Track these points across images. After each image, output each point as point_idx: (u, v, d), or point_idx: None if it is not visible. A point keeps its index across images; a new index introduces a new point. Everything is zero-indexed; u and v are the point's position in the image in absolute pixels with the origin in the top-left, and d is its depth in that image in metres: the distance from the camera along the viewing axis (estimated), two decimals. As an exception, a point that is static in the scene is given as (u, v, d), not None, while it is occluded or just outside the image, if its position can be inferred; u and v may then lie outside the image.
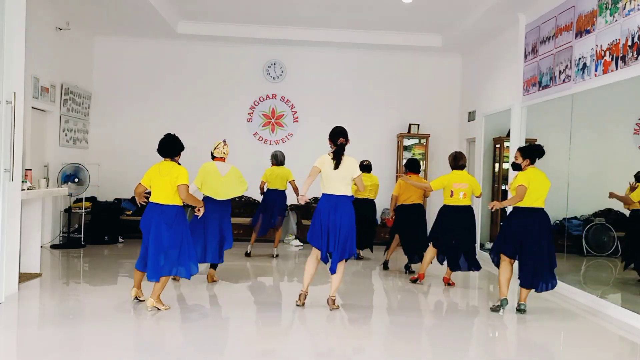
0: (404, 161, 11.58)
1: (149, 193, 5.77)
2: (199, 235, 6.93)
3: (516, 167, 6.18)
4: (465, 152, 11.44)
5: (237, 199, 10.78)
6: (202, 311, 5.99)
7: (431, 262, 7.57)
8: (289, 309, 6.10)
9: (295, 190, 8.84)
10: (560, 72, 7.56)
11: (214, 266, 7.25)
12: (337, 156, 5.84)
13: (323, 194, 5.93)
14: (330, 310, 5.94)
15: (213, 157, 7.21)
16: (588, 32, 6.92)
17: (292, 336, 5.42)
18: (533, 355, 5.03)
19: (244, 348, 4.86)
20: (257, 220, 9.19)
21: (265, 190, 9.12)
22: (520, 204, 5.97)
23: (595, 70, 6.70)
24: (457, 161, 7.24)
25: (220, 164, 7.10)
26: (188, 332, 5.30)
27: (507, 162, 9.19)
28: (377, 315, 6.20)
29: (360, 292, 7.19)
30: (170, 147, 5.80)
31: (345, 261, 5.97)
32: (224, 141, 7.27)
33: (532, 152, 6.10)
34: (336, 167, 5.82)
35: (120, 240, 10.44)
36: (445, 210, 7.26)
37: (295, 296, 6.26)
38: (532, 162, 6.10)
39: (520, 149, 6.21)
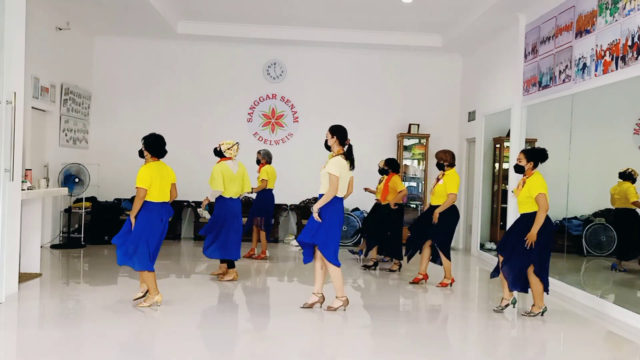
0: (405, 161, 11.63)
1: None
2: (225, 232, 7.18)
3: (519, 169, 6.00)
4: (465, 152, 11.45)
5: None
6: (204, 311, 5.99)
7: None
8: (290, 310, 6.11)
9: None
10: (560, 72, 7.56)
11: (232, 264, 7.38)
12: (351, 157, 5.83)
13: (336, 197, 5.76)
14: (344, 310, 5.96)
15: (220, 154, 7.23)
16: (588, 32, 6.92)
17: (286, 339, 5.41)
18: (533, 356, 5.03)
19: (239, 351, 4.87)
20: (268, 221, 9.17)
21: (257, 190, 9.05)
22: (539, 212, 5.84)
23: (595, 70, 6.70)
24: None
25: (231, 163, 7.27)
26: (188, 332, 5.30)
27: (507, 162, 9.19)
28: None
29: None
30: (164, 148, 5.93)
31: None
32: (238, 144, 7.38)
33: (536, 154, 5.95)
34: (352, 167, 5.84)
35: (120, 240, 10.43)
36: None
37: (294, 297, 6.24)
38: (535, 166, 5.95)
39: (524, 151, 6.03)
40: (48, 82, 9.41)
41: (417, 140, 11.59)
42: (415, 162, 11.75)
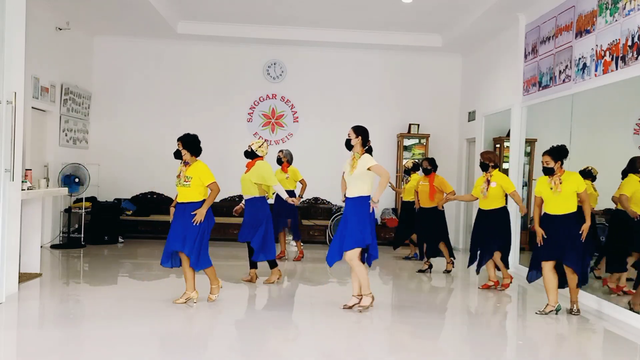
0: (404, 161, 11.61)
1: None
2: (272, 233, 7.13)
3: (549, 171, 6.03)
4: (465, 152, 11.45)
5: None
6: (207, 311, 5.98)
7: None
8: (299, 310, 6.10)
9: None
10: (560, 72, 7.56)
11: (255, 264, 7.28)
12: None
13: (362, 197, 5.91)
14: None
15: (252, 155, 7.14)
16: (588, 32, 6.92)
17: (300, 339, 5.41)
18: (535, 356, 5.03)
19: (249, 351, 4.87)
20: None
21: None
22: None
23: (595, 70, 6.70)
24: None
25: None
26: (190, 332, 5.30)
27: (507, 162, 9.19)
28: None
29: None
30: (200, 146, 6.08)
31: None
32: (267, 141, 7.39)
33: (560, 153, 6.00)
34: None
35: (120, 240, 10.44)
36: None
37: (300, 297, 6.25)
38: (562, 164, 6.02)
39: (548, 153, 6.03)
40: (48, 82, 9.41)
41: (417, 140, 11.58)
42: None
